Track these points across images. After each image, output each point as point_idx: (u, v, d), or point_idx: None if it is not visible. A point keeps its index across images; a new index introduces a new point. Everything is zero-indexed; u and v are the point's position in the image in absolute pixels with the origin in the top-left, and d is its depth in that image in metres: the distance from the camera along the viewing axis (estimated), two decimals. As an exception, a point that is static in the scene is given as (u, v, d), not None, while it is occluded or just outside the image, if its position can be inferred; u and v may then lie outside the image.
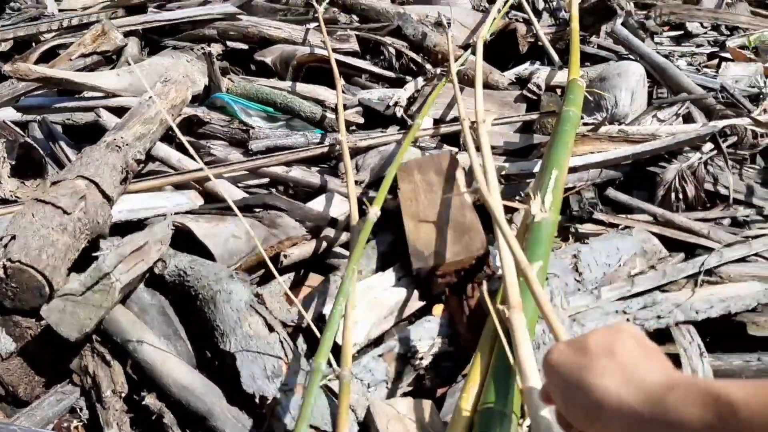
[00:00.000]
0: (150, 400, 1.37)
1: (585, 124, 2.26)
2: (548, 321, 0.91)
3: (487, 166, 1.73)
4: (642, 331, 0.58)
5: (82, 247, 1.62)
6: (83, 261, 1.60)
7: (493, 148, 2.11)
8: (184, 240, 1.71)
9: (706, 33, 3.62)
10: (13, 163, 2.18)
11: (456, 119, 2.36)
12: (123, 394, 1.40)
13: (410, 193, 1.86)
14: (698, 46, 3.46)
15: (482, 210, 1.87)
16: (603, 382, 0.52)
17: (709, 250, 1.83)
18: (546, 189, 1.68)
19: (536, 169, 2.04)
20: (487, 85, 2.57)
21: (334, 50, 2.71)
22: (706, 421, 0.44)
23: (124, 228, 1.80)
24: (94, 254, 1.58)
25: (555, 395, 0.58)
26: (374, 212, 1.65)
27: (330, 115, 2.38)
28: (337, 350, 1.32)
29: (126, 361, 1.44)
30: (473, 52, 2.51)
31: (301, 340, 1.47)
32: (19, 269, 1.43)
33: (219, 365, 1.42)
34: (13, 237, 1.50)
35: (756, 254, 1.82)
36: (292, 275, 1.77)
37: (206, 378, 1.39)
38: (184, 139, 1.66)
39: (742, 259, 1.80)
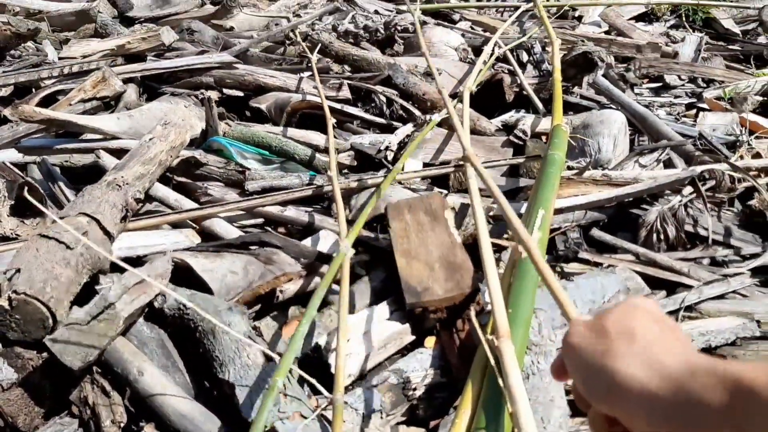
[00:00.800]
0: (149, 429, 1.40)
1: (570, 168, 2.36)
2: (558, 299, 0.93)
3: (475, 206, 1.81)
4: (657, 305, 0.58)
5: (84, 282, 1.66)
6: (84, 296, 1.64)
7: (480, 190, 2.19)
8: (181, 277, 1.75)
9: (683, 85, 3.77)
10: (13, 202, 2.23)
11: (444, 163, 2.45)
12: (122, 424, 1.43)
13: (401, 231, 1.93)
14: (676, 97, 3.60)
15: (470, 249, 1.94)
16: (624, 367, 0.52)
17: (689, 287, 1.91)
18: (533, 227, 1.75)
19: (523, 210, 2.11)
20: (475, 132, 2.67)
21: (327, 98, 2.82)
22: (727, 405, 0.45)
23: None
24: (97, 287, 1.62)
25: (575, 376, 0.58)
26: (344, 246, 1.70)
27: (322, 157, 2.46)
28: (330, 380, 1.37)
29: (125, 392, 1.47)
30: (461, 101, 2.62)
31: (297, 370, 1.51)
32: (23, 301, 1.47)
33: (217, 395, 1.45)
34: (18, 270, 1.55)
35: (734, 291, 1.90)
36: (287, 310, 1.81)
37: (204, 407, 1.42)
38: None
39: (721, 296, 1.88)
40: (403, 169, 2.28)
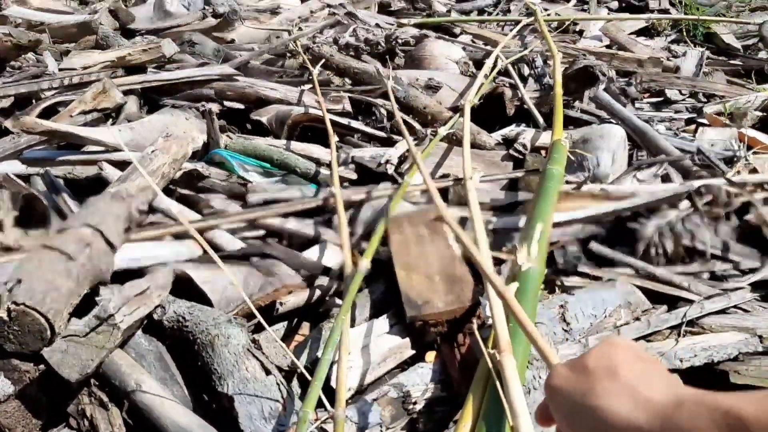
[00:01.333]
0: (147, 442, 1.39)
1: (568, 182, 2.36)
2: (536, 345, 0.91)
3: (475, 219, 1.82)
4: (637, 344, 0.59)
5: (84, 293, 1.66)
6: (83, 307, 1.63)
7: (480, 203, 2.20)
8: (182, 288, 1.75)
9: (684, 100, 3.79)
10: (16, 214, 2.23)
11: (445, 176, 2.45)
12: (120, 437, 1.42)
13: (401, 244, 1.93)
14: (677, 111, 3.61)
15: (470, 262, 1.94)
16: (610, 405, 0.52)
17: (690, 302, 1.90)
18: (532, 240, 1.75)
19: (522, 223, 2.12)
20: (475, 145, 2.68)
21: (328, 110, 2.83)
22: None
23: (125, 275, 1.85)
24: (97, 298, 1.62)
25: (559, 419, 0.57)
26: (365, 264, 1.71)
27: (324, 170, 2.47)
28: (331, 393, 1.37)
29: (123, 405, 1.46)
30: (461, 115, 2.64)
31: (295, 384, 1.51)
32: (22, 312, 1.47)
33: (216, 408, 1.45)
34: (19, 281, 1.55)
35: (735, 306, 1.89)
36: (286, 323, 1.81)
37: (203, 420, 1.41)
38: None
39: (722, 311, 1.88)
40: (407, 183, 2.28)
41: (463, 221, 2.10)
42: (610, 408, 0.51)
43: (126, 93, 3.03)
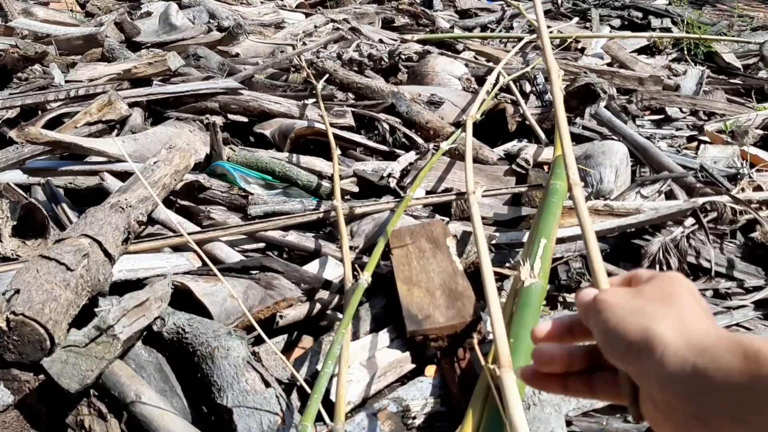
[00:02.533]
0: (144, 454, 1.38)
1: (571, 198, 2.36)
2: (594, 265, 0.78)
3: (477, 233, 1.81)
4: (694, 284, 0.57)
5: (83, 304, 1.66)
6: (82, 318, 1.63)
7: (483, 218, 2.20)
8: (181, 300, 1.75)
9: (685, 117, 3.79)
10: (15, 223, 2.24)
11: (447, 190, 2.45)
12: (118, 449, 1.41)
13: (403, 258, 1.93)
14: (678, 129, 3.62)
15: (471, 276, 1.94)
16: (656, 326, 0.52)
17: (692, 319, 1.89)
18: (535, 256, 1.75)
19: (525, 238, 2.11)
20: (477, 160, 2.69)
21: (331, 125, 2.84)
22: (748, 374, 0.46)
23: (123, 287, 1.84)
24: (96, 309, 1.61)
25: (598, 331, 0.57)
26: (365, 278, 1.71)
27: (326, 183, 2.47)
28: (330, 407, 1.36)
29: (122, 416, 1.45)
30: (464, 130, 2.64)
31: (295, 397, 1.50)
32: (22, 322, 1.47)
33: (215, 420, 1.44)
34: (17, 291, 1.54)
35: (737, 324, 1.88)
36: (286, 336, 1.80)
37: (202, 433, 1.40)
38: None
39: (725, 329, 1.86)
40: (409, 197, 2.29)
41: (466, 236, 2.10)
42: (655, 329, 0.52)
43: (131, 105, 3.05)
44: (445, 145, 2.57)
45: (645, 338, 0.52)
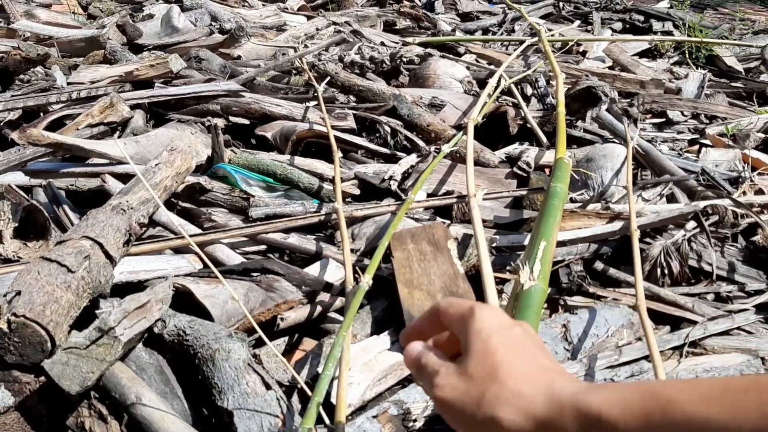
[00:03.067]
0: (145, 456, 1.38)
1: (572, 201, 2.36)
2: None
3: (478, 236, 1.82)
4: (503, 315, 0.57)
5: (84, 306, 1.66)
6: (83, 320, 1.63)
7: (484, 221, 2.20)
8: (182, 302, 1.75)
9: (686, 121, 3.79)
10: (17, 225, 2.24)
11: (449, 193, 2.45)
12: (118, 451, 1.41)
13: (404, 261, 1.93)
14: (679, 132, 3.62)
15: (472, 279, 1.94)
16: (502, 415, 0.52)
17: (693, 323, 1.89)
18: (535, 258, 1.74)
19: (526, 241, 2.11)
20: (478, 163, 2.68)
21: (332, 127, 2.84)
22: None
23: (124, 289, 1.84)
24: (97, 311, 1.62)
25: (459, 428, 0.56)
26: (366, 281, 1.70)
27: (327, 186, 2.47)
28: (331, 409, 1.36)
29: (123, 418, 1.45)
30: (465, 133, 2.64)
31: (296, 399, 1.50)
32: (23, 324, 1.47)
33: (216, 422, 1.44)
34: (18, 293, 1.54)
35: (738, 328, 1.88)
36: (287, 338, 1.80)
37: (202, 435, 1.40)
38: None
39: (726, 332, 1.86)
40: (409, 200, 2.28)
41: (467, 238, 2.10)
42: (503, 418, 0.52)
43: (133, 107, 3.05)
44: (446, 148, 2.57)
45: (502, 429, 0.52)
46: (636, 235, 1.99)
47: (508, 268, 2.06)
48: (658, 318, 1.93)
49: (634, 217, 2.07)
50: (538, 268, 1.71)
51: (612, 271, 2.15)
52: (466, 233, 2.12)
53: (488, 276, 1.68)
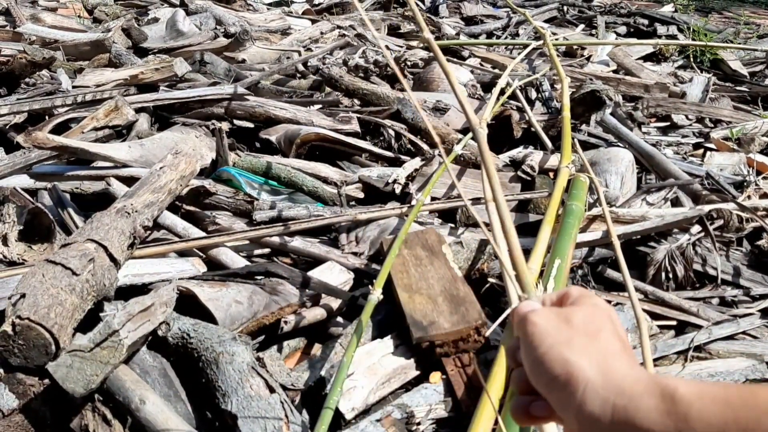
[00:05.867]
0: (148, 459, 1.38)
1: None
2: (519, 270, 0.78)
3: (498, 241, 1.81)
4: (616, 314, 0.59)
5: (88, 308, 1.66)
6: (87, 323, 1.63)
7: (486, 225, 2.19)
8: (186, 305, 1.75)
9: (691, 125, 3.79)
10: (22, 227, 2.24)
11: (452, 197, 2.45)
12: (122, 454, 1.41)
13: (400, 266, 1.92)
14: (684, 136, 3.62)
15: (475, 283, 1.94)
16: (580, 361, 0.54)
17: (698, 327, 1.89)
18: (549, 276, 1.75)
19: (531, 246, 2.10)
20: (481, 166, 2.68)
21: (337, 131, 2.84)
22: (662, 411, 0.48)
23: (129, 292, 1.85)
24: (102, 314, 1.62)
25: (526, 354, 0.57)
26: (377, 294, 1.68)
27: (330, 189, 2.47)
28: (335, 419, 1.35)
29: (126, 421, 1.45)
30: (472, 137, 2.64)
31: (299, 403, 1.50)
32: (27, 326, 1.47)
33: (219, 425, 1.44)
34: (23, 295, 1.54)
35: (743, 332, 1.88)
36: (290, 342, 1.80)
37: (206, 438, 1.40)
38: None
39: (731, 337, 1.86)
40: (413, 203, 2.28)
41: (473, 241, 2.10)
42: (579, 365, 0.53)
43: (138, 110, 3.06)
44: (458, 149, 2.56)
45: (568, 373, 0.53)
46: (617, 243, 1.97)
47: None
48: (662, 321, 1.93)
49: (611, 225, 2.05)
50: (552, 285, 1.71)
51: (616, 275, 2.15)
52: (473, 236, 2.12)
53: (513, 287, 1.65)
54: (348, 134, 2.95)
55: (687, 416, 0.47)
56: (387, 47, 4.59)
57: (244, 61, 4.35)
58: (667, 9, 7.33)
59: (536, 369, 0.56)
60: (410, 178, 2.58)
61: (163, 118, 3.17)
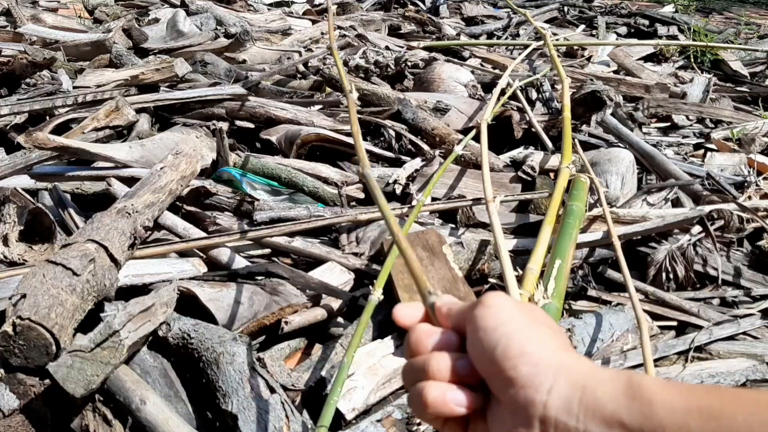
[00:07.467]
0: (149, 460, 1.38)
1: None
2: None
3: (498, 241, 1.81)
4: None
5: (89, 309, 1.66)
6: (88, 323, 1.63)
7: (485, 225, 2.20)
8: (187, 306, 1.75)
9: (691, 125, 3.79)
10: (22, 228, 2.24)
11: (453, 197, 2.45)
12: (122, 454, 1.41)
13: (400, 266, 1.92)
14: (684, 137, 3.61)
15: (476, 283, 1.94)
16: (550, 342, 0.53)
17: (699, 328, 1.89)
18: (549, 277, 1.75)
19: (532, 246, 2.10)
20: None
21: (337, 131, 2.84)
22: (628, 394, 0.49)
23: (129, 292, 1.85)
24: (102, 314, 1.62)
25: (482, 335, 0.54)
26: (378, 295, 1.68)
27: (331, 190, 2.47)
28: (336, 420, 1.35)
29: (127, 421, 1.45)
30: (474, 137, 2.65)
31: (300, 403, 1.50)
32: (28, 327, 1.47)
33: (220, 426, 1.44)
34: (24, 295, 1.55)
35: (744, 333, 1.88)
36: (291, 342, 1.80)
37: (206, 439, 1.40)
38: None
39: (731, 337, 1.86)
40: (413, 204, 2.28)
41: (473, 242, 2.10)
42: (550, 343, 0.53)
43: (138, 111, 3.06)
44: (458, 149, 2.57)
45: (542, 353, 0.52)
46: (617, 244, 1.97)
47: (516, 274, 2.06)
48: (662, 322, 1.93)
49: (612, 226, 2.05)
50: (552, 286, 1.71)
51: (616, 276, 2.15)
52: (473, 237, 2.12)
53: (512, 285, 1.66)
54: (348, 135, 2.95)
55: (651, 401, 0.47)
56: (387, 47, 4.59)
57: (244, 61, 4.34)
58: (668, 9, 7.33)
59: (500, 345, 0.52)
60: (411, 178, 2.59)
61: (163, 118, 3.18)
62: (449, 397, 0.54)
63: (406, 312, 0.62)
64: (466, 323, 0.56)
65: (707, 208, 2.32)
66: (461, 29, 5.96)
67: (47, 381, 1.49)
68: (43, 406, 1.48)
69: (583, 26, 6.25)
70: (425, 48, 4.61)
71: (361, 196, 2.49)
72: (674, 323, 1.95)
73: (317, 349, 1.76)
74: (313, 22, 5.74)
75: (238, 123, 3.12)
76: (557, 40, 4.96)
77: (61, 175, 2.51)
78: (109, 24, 4.90)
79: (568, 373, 0.51)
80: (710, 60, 5.10)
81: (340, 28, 5.16)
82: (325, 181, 2.57)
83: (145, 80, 3.48)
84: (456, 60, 4.43)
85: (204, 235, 2.15)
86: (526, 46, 4.55)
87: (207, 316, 1.69)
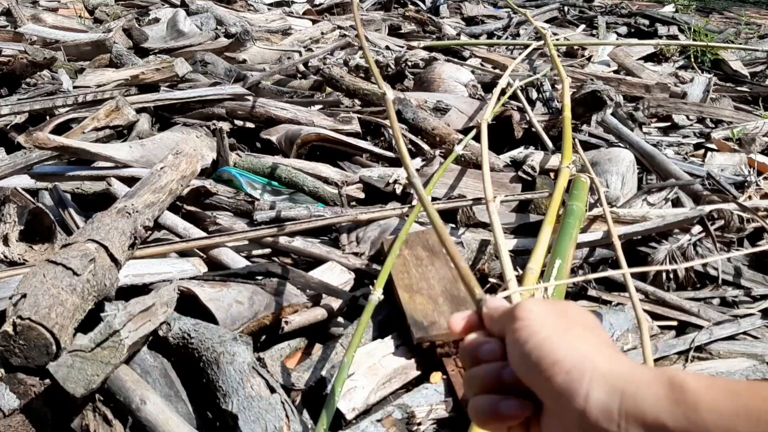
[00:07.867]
0: (149, 459, 1.38)
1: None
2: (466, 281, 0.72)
3: (499, 241, 1.81)
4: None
5: (89, 309, 1.66)
6: (88, 323, 1.63)
7: (485, 224, 2.20)
8: (187, 306, 1.75)
9: (692, 125, 3.79)
10: (22, 228, 2.24)
11: (453, 197, 2.45)
12: (122, 454, 1.41)
13: (400, 266, 1.92)
14: (684, 137, 3.61)
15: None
16: (584, 346, 0.52)
17: (699, 327, 1.89)
18: (549, 277, 1.75)
19: (532, 246, 2.10)
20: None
21: (338, 131, 2.84)
22: (670, 398, 0.47)
23: (129, 292, 1.85)
24: (102, 314, 1.62)
25: (518, 343, 0.54)
26: (378, 295, 1.68)
27: (331, 189, 2.47)
28: (336, 420, 1.35)
29: (127, 421, 1.45)
30: (474, 137, 2.65)
31: (300, 403, 1.50)
32: (28, 326, 1.47)
33: (220, 425, 1.44)
34: (24, 295, 1.55)
35: (744, 332, 1.88)
36: (291, 342, 1.80)
37: (206, 438, 1.40)
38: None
39: (731, 337, 1.86)
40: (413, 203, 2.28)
41: (473, 241, 2.10)
42: (584, 348, 0.52)
43: (138, 111, 3.06)
44: (458, 149, 2.57)
45: (574, 359, 0.51)
46: (618, 244, 1.97)
47: (516, 274, 2.06)
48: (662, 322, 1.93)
49: (612, 226, 2.05)
50: (552, 286, 1.71)
51: (617, 275, 2.14)
52: (473, 237, 2.12)
53: (513, 285, 1.66)
54: (349, 134, 2.95)
55: (696, 405, 0.45)
56: (387, 47, 4.60)
57: (244, 61, 4.35)
58: (668, 9, 7.33)
59: (533, 357, 0.53)
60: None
61: (163, 118, 3.18)
62: (501, 408, 0.55)
63: (459, 320, 0.63)
64: (505, 334, 0.57)
65: (707, 208, 2.32)
66: (461, 29, 5.96)
67: (47, 381, 1.49)
68: (43, 405, 1.48)
69: (583, 26, 6.25)
70: (425, 48, 4.60)
71: (361, 196, 2.49)
72: (674, 323, 1.95)
73: (317, 349, 1.76)
74: (313, 21, 5.74)
75: (239, 123, 3.12)
76: (557, 39, 4.96)
77: (62, 174, 2.52)
78: (109, 24, 4.90)
79: (603, 377, 0.49)
80: (710, 60, 5.10)
81: (340, 27, 5.16)
82: (326, 180, 2.57)
83: (146, 80, 3.48)
84: (456, 60, 4.43)
85: (204, 235, 2.15)
86: (526, 46, 4.55)
87: (207, 315, 1.69)
